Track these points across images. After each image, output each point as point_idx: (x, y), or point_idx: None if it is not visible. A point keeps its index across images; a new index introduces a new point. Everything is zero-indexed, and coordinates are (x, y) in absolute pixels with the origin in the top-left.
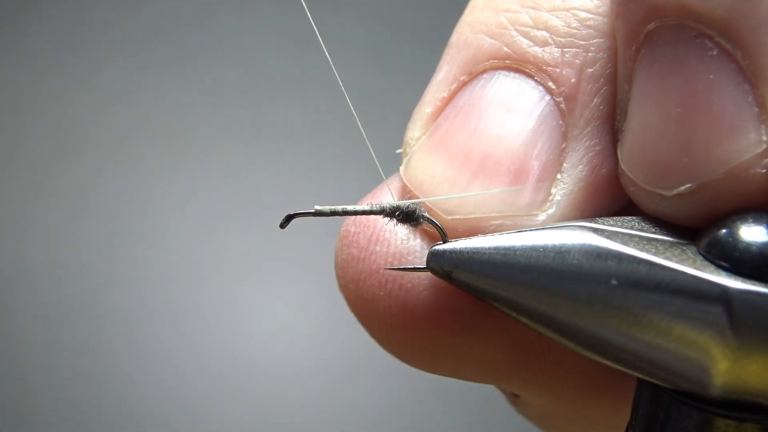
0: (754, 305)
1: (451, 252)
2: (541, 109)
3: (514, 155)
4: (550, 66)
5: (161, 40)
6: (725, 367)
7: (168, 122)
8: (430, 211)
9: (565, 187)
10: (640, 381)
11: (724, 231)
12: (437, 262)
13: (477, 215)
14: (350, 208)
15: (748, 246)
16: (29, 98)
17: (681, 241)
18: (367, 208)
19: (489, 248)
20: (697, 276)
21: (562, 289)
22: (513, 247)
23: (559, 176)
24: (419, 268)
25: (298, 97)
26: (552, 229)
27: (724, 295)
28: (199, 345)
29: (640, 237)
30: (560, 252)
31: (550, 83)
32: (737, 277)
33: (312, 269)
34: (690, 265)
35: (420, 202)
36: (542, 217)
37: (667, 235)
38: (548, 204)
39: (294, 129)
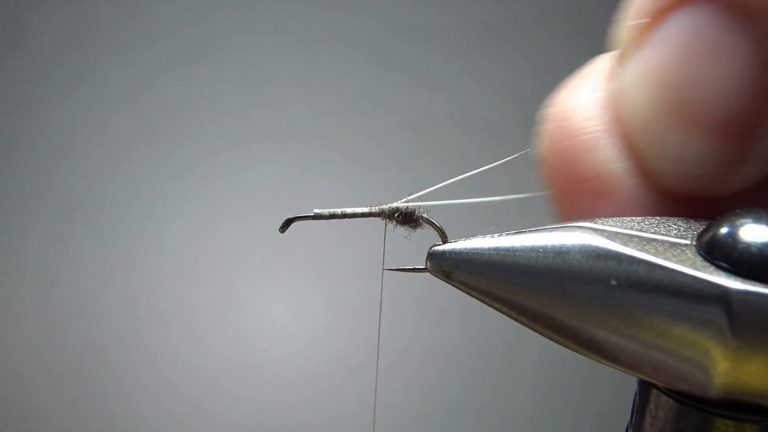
0: (753, 306)
1: (450, 253)
2: (753, 58)
3: (720, 106)
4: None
5: (161, 40)
6: (725, 367)
7: (168, 122)
8: (635, 149)
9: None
10: (640, 381)
11: (724, 231)
12: (436, 263)
13: (674, 171)
14: (349, 210)
15: (748, 246)
16: (29, 98)
17: (681, 242)
18: (366, 210)
19: (488, 249)
20: (696, 276)
21: (562, 290)
22: (512, 247)
23: (761, 132)
24: (418, 269)
25: (298, 97)
26: (552, 230)
27: (723, 295)
28: (198, 345)
29: (639, 237)
30: (560, 253)
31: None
32: (737, 278)
33: (313, 270)
34: (690, 266)
35: (419, 206)
36: (738, 175)
37: (667, 235)
38: (749, 160)
39: (294, 129)
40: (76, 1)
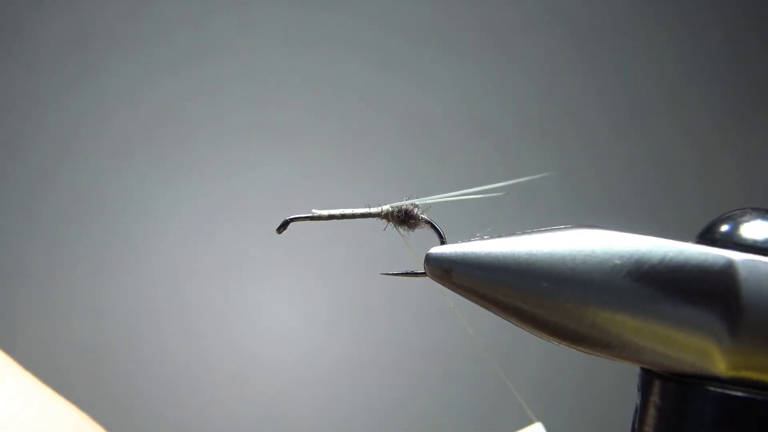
0: (760, 272)
1: (448, 255)
2: None
3: None
4: None
5: (161, 40)
6: (734, 340)
7: (168, 123)
8: None
9: None
10: (642, 376)
11: (725, 226)
12: (434, 265)
13: None
14: (348, 211)
15: (751, 233)
16: (30, 98)
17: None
18: (365, 210)
19: (487, 250)
20: (701, 249)
21: (564, 277)
22: (512, 246)
23: None
24: (418, 273)
25: (298, 97)
26: (550, 231)
27: (728, 263)
28: (198, 345)
29: (640, 234)
30: (560, 241)
31: None
32: (741, 253)
33: (315, 270)
34: (693, 244)
35: (417, 206)
36: None
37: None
38: None
39: (294, 129)
40: (77, 1)
